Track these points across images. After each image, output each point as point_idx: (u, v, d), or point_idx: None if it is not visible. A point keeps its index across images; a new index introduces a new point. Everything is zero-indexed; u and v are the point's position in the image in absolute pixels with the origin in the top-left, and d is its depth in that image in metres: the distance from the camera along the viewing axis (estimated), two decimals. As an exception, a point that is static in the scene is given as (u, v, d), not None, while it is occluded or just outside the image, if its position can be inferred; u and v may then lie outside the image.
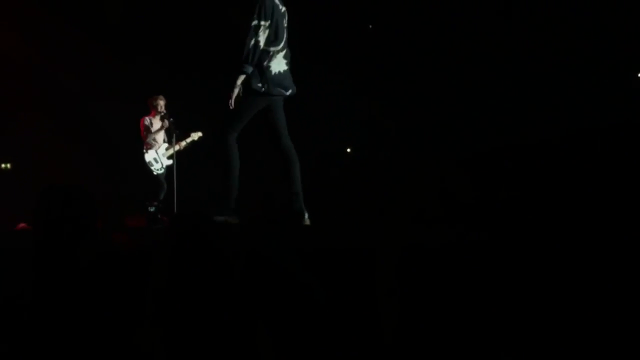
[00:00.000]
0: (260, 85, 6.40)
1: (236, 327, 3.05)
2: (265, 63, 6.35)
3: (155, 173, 10.94)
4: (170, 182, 10.59)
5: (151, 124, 11.01)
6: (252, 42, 6.23)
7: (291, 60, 6.56)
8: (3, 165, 14.39)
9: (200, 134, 11.20)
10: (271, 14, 6.26)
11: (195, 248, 3.15)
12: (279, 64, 6.42)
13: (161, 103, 10.98)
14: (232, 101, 6.46)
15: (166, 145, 11.08)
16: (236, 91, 6.41)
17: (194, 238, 3.18)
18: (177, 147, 10.73)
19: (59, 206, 2.97)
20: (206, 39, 12.75)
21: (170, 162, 10.91)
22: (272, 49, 6.35)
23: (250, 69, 6.32)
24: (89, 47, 12.52)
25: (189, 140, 11.13)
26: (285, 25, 6.48)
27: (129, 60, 12.46)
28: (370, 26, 12.56)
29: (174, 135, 10.76)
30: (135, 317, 2.95)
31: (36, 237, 2.99)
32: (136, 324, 2.92)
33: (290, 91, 6.56)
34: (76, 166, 12.05)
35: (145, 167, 10.93)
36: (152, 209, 9.43)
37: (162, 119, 11.04)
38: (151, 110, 11.03)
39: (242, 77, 6.36)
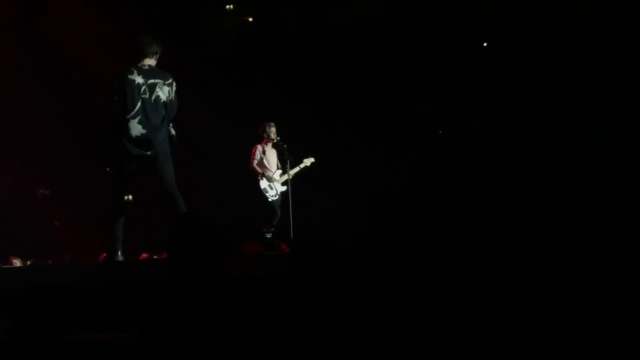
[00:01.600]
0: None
1: (363, 352, 3.02)
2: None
3: (270, 200, 11.03)
4: (285, 208, 10.67)
5: (264, 151, 11.13)
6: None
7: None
8: (125, 197, 14.82)
9: (312, 159, 11.26)
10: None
11: (320, 272, 3.15)
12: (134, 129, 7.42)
13: (273, 130, 11.10)
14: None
15: (279, 171, 11.18)
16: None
17: (318, 262, 3.17)
18: (291, 173, 10.82)
19: (195, 235, 3.01)
20: (314, 66, 12.90)
21: (284, 188, 11.00)
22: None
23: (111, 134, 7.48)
24: (201, 76, 12.81)
25: (302, 166, 11.20)
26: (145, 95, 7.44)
27: (241, 87, 12.70)
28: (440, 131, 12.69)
29: (288, 161, 10.85)
30: (265, 343, 2.96)
31: (172, 265, 3.03)
32: (268, 350, 2.92)
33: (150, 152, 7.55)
34: (192, 195, 12.29)
35: (261, 194, 11.02)
36: (269, 236, 9.53)
37: (274, 146, 11.16)
38: (263, 137, 11.15)
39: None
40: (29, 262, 9.96)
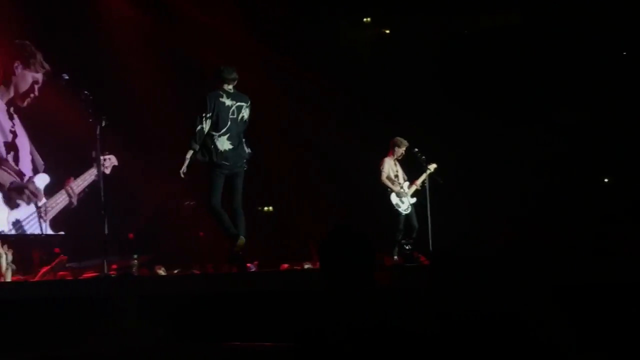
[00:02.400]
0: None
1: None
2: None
3: (402, 214, 10.97)
4: (423, 219, 10.60)
5: (392, 164, 11.09)
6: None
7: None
8: (266, 209, 15.18)
9: (434, 165, 11.13)
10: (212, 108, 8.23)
11: (460, 285, 3.12)
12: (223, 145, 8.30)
13: (404, 143, 11.04)
14: (182, 171, 8.44)
15: (407, 183, 11.11)
16: (186, 163, 8.35)
17: (459, 276, 3.15)
18: (418, 183, 10.81)
19: (347, 247, 3.06)
20: (451, 78, 12.84)
21: (414, 200, 10.97)
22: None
23: (196, 146, 8.26)
24: (338, 87, 12.99)
25: (427, 173, 11.08)
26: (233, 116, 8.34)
27: (376, 99, 12.78)
28: None
29: (424, 166, 10.86)
30: (408, 354, 2.96)
31: (323, 276, 3.09)
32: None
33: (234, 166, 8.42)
34: (329, 207, 12.45)
35: (393, 209, 10.99)
36: (408, 248, 9.53)
37: (402, 159, 11.11)
38: (389, 150, 11.11)
39: (190, 152, 8.29)
40: (175, 272, 10.30)
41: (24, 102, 13.07)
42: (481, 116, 12.64)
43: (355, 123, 12.93)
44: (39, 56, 12.99)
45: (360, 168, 12.26)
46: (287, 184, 13.73)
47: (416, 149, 10.93)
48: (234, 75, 8.40)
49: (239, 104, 8.40)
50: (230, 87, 8.40)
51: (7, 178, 12.76)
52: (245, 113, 8.45)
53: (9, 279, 9.46)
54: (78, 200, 12.68)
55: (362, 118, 12.91)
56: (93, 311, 5.60)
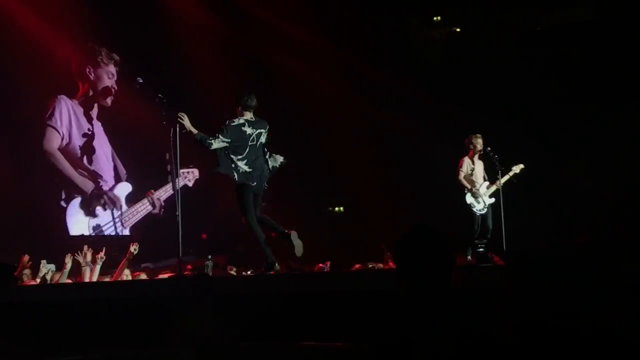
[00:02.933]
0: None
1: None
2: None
3: (477, 214, 10.84)
4: (497, 219, 10.47)
5: (470, 164, 10.96)
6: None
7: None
8: (337, 209, 15.22)
9: (521, 165, 10.96)
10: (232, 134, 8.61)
11: (541, 285, 3.08)
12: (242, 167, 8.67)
13: (479, 142, 10.89)
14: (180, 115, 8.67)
15: (487, 183, 10.95)
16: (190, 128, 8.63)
17: (540, 276, 3.11)
18: (501, 182, 10.63)
19: (424, 248, 3.03)
20: (522, 76, 12.66)
21: (492, 200, 10.79)
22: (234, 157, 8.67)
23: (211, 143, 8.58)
24: (409, 86, 12.93)
25: (511, 174, 10.93)
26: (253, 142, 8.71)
27: (448, 98, 12.68)
28: None
29: (500, 172, 10.66)
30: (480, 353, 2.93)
31: (400, 276, 3.06)
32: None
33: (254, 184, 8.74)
34: (402, 207, 12.39)
35: (468, 208, 10.86)
36: (481, 248, 9.42)
37: (481, 158, 10.96)
38: (469, 150, 10.97)
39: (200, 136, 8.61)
40: (249, 272, 10.38)
41: (106, 98, 13.42)
42: (556, 114, 12.44)
43: (428, 122, 12.85)
44: (104, 51, 13.31)
45: (433, 167, 12.19)
46: (358, 184, 13.73)
47: (489, 148, 10.79)
48: (255, 103, 8.78)
49: (258, 131, 8.75)
50: (251, 114, 8.75)
51: (88, 184, 13.13)
52: (264, 138, 8.82)
53: (93, 278, 9.65)
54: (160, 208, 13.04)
55: (435, 117, 12.81)
56: (169, 311, 5.68)
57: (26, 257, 9.79)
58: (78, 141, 13.23)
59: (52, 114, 13.02)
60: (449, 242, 3.08)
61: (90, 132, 13.40)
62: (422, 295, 3.01)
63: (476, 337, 2.94)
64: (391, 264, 10.82)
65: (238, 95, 8.78)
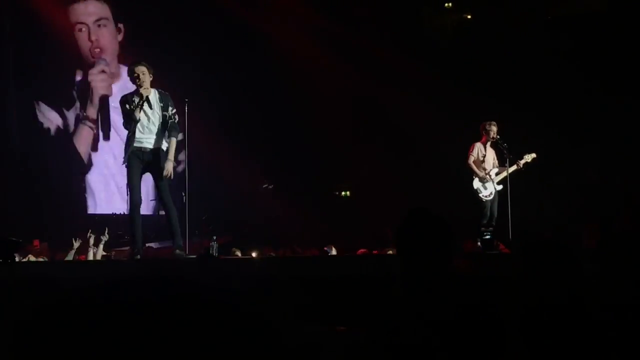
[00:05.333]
0: None
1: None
2: None
3: (484, 200, 10.79)
4: (504, 207, 10.42)
5: (482, 150, 10.91)
6: None
7: None
8: (343, 193, 15.22)
9: (533, 155, 10.89)
10: None
11: (551, 275, 3.07)
12: None
13: (494, 129, 10.82)
14: None
15: (496, 170, 10.89)
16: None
17: (549, 266, 3.09)
18: (510, 170, 10.57)
19: (424, 232, 3.00)
20: (533, 63, 12.62)
21: (500, 187, 10.72)
22: None
23: None
24: (420, 73, 12.90)
25: (521, 162, 10.85)
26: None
27: (460, 84, 12.65)
28: None
29: (508, 160, 10.60)
30: (484, 341, 2.92)
31: (400, 261, 3.04)
32: (492, 349, 2.88)
33: None
34: (410, 192, 12.38)
35: (474, 193, 10.81)
36: (487, 236, 9.36)
37: (493, 145, 10.90)
38: (482, 136, 10.91)
39: None
40: (253, 254, 10.41)
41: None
42: (568, 103, 12.40)
43: (438, 108, 12.82)
44: None
45: (442, 153, 12.17)
46: (365, 168, 13.73)
47: (498, 137, 10.75)
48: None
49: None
50: None
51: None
52: None
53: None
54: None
55: (445, 103, 12.78)
56: (174, 291, 5.67)
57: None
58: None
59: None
60: (451, 226, 3.05)
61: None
62: (420, 280, 2.99)
63: (477, 323, 2.93)
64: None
65: None
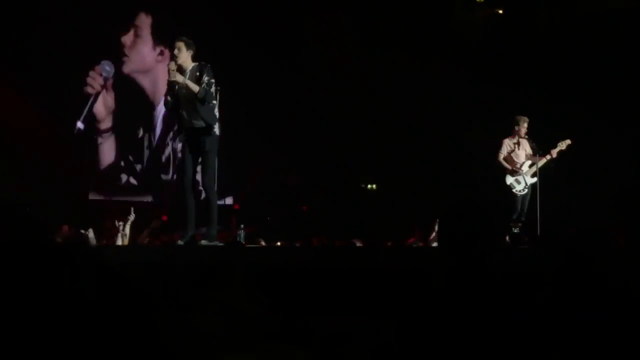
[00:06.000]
0: None
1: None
2: None
3: (518, 195, 10.69)
4: (533, 200, 10.34)
5: (513, 145, 10.82)
6: None
7: None
8: (369, 186, 15.22)
9: (568, 141, 10.72)
10: None
11: (579, 270, 3.07)
12: None
13: (524, 125, 10.74)
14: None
15: (529, 162, 10.77)
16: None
17: (577, 261, 3.10)
18: (541, 163, 10.47)
19: (469, 222, 3.00)
20: (566, 59, 12.54)
21: (534, 180, 10.61)
22: None
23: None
24: (450, 67, 12.87)
25: (555, 151, 10.69)
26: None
27: (491, 79, 12.60)
28: None
29: (537, 154, 10.52)
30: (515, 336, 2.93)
31: (442, 251, 3.04)
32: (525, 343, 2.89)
33: None
34: (437, 187, 12.38)
35: (507, 189, 10.72)
36: (516, 231, 9.30)
37: (525, 140, 10.79)
38: (513, 131, 10.83)
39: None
40: (278, 244, 10.47)
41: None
42: (595, 100, 12.31)
43: (467, 103, 12.79)
44: None
45: (470, 148, 12.14)
46: (392, 162, 13.73)
47: (534, 144, 10.66)
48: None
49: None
50: None
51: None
52: None
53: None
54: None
55: (474, 97, 12.74)
56: (201, 278, 5.72)
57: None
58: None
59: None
60: (494, 218, 3.04)
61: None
62: (465, 272, 2.98)
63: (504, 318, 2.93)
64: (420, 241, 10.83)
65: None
